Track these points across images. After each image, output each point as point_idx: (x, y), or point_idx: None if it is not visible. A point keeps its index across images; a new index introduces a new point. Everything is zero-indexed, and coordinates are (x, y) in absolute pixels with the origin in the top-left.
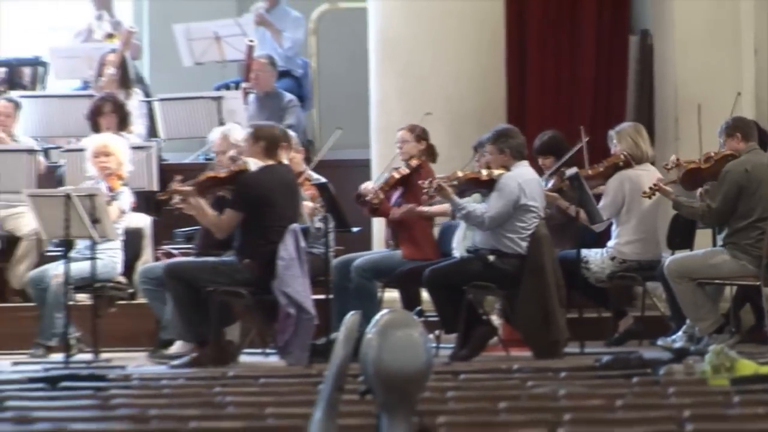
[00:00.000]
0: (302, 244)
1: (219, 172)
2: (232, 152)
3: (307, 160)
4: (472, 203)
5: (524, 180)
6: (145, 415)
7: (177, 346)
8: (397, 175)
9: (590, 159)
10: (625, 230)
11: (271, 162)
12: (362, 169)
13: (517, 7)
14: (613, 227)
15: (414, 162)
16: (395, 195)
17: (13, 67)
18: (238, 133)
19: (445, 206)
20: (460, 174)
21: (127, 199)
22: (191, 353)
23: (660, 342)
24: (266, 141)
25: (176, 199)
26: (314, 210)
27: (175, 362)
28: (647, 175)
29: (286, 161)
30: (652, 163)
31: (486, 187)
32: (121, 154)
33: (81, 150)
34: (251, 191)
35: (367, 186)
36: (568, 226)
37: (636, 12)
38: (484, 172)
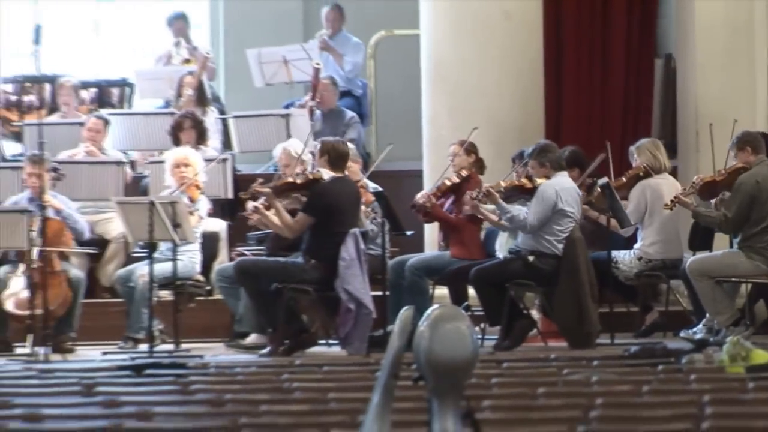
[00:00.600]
0: (362, 246)
1: (296, 178)
2: (299, 170)
3: (363, 170)
4: (516, 209)
5: (561, 187)
6: (221, 400)
7: (251, 338)
8: (448, 183)
9: (615, 171)
10: (649, 233)
11: (339, 174)
12: (415, 179)
13: (554, 35)
14: (639, 231)
15: (464, 173)
16: (448, 202)
17: (103, 87)
18: (299, 147)
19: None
20: (503, 183)
21: (204, 206)
22: (265, 343)
23: (682, 334)
24: (329, 154)
25: (251, 206)
26: (367, 213)
27: (262, 352)
28: (666, 183)
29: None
30: (672, 173)
31: (529, 194)
32: (198, 166)
33: (163, 162)
34: (323, 199)
35: (421, 196)
36: (598, 231)
37: (661, 38)
38: (527, 181)
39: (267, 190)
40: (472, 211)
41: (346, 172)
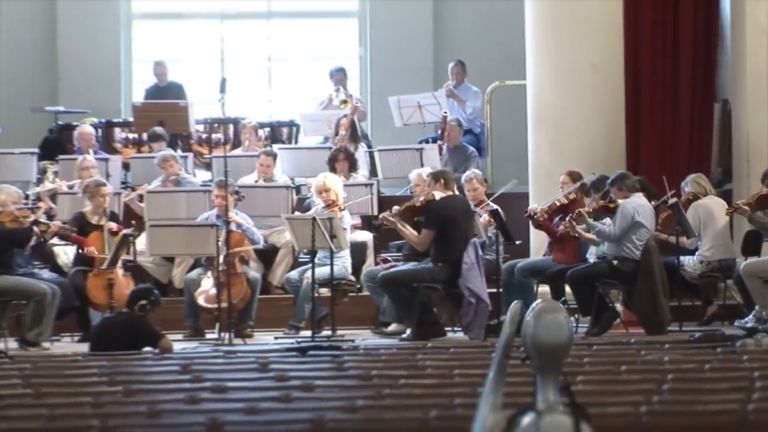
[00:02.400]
0: (480, 253)
1: (415, 203)
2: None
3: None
4: (603, 224)
5: (638, 205)
6: (368, 375)
7: (392, 326)
8: (558, 203)
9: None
10: (706, 240)
11: (450, 192)
12: (523, 199)
13: (633, 82)
14: (699, 242)
15: (572, 196)
16: (556, 218)
17: (275, 127)
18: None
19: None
20: (593, 206)
21: (348, 220)
22: (403, 330)
23: (737, 323)
24: (443, 179)
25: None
26: (486, 224)
27: (403, 336)
28: (713, 201)
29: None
30: (727, 194)
31: (612, 213)
32: (336, 188)
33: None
34: (437, 213)
35: (535, 207)
36: (668, 242)
37: (719, 86)
38: (610, 203)
39: (392, 220)
40: (570, 230)
41: (471, 193)
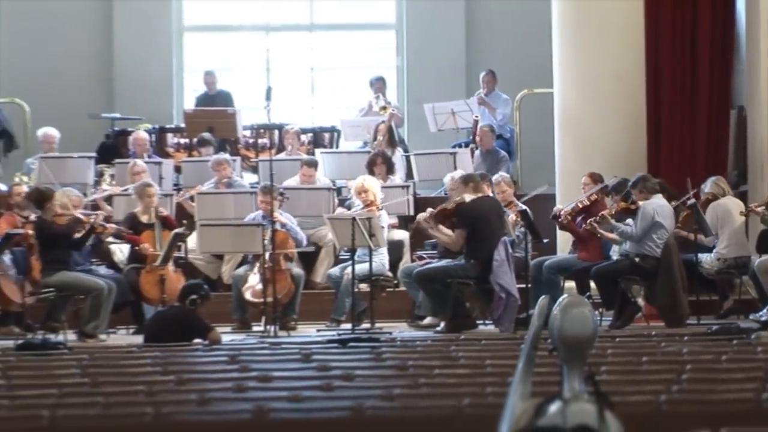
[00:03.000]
0: (509, 251)
1: (447, 206)
2: (457, 198)
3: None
4: (625, 225)
5: (657, 206)
6: (405, 365)
7: (427, 320)
8: (580, 205)
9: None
10: (722, 238)
11: (480, 194)
12: (550, 200)
13: (654, 91)
14: (717, 240)
15: (593, 197)
16: (579, 218)
17: (317, 133)
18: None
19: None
20: (615, 208)
21: (385, 220)
22: (437, 323)
23: (751, 316)
24: (472, 182)
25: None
26: (515, 223)
27: (437, 328)
28: (730, 201)
29: (490, 194)
30: (743, 195)
31: (633, 214)
32: (374, 189)
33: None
34: (468, 213)
35: (560, 208)
36: (686, 240)
37: (736, 92)
38: (631, 205)
39: (426, 224)
40: (592, 231)
41: (501, 195)
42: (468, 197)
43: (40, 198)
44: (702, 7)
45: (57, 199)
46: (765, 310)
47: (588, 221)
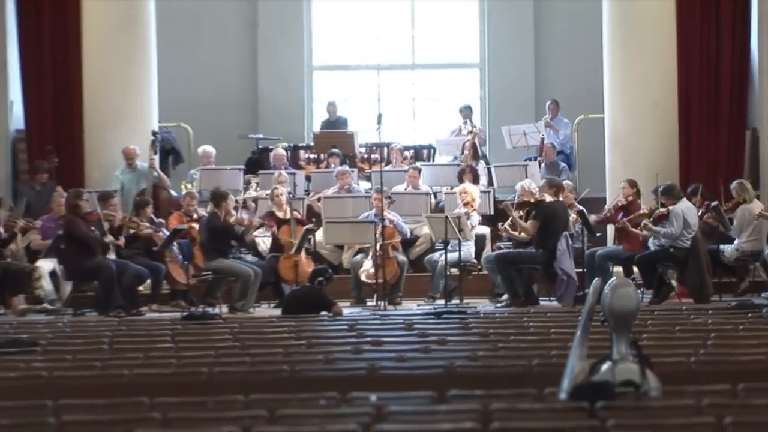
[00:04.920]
0: (569, 242)
1: (530, 199)
2: (539, 197)
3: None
4: (664, 228)
5: (685, 207)
6: (487, 332)
7: (504, 297)
8: (619, 204)
9: (724, 198)
10: (744, 235)
11: (557, 198)
12: (601, 202)
13: (685, 114)
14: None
15: (630, 198)
16: (620, 215)
17: (417, 150)
18: (530, 184)
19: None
20: (653, 215)
21: (476, 218)
22: (509, 301)
23: (763, 294)
24: (556, 188)
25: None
26: (575, 221)
27: (502, 303)
28: (756, 205)
29: (562, 199)
30: (757, 197)
31: (666, 218)
32: (474, 193)
33: (454, 193)
34: (544, 211)
35: (608, 209)
36: (711, 233)
37: (750, 115)
38: (664, 209)
39: (509, 208)
40: (641, 232)
41: (564, 198)
42: (548, 198)
43: (220, 197)
44: (724, 43)
45: (230, 201)
46: None
47: (639, 227)
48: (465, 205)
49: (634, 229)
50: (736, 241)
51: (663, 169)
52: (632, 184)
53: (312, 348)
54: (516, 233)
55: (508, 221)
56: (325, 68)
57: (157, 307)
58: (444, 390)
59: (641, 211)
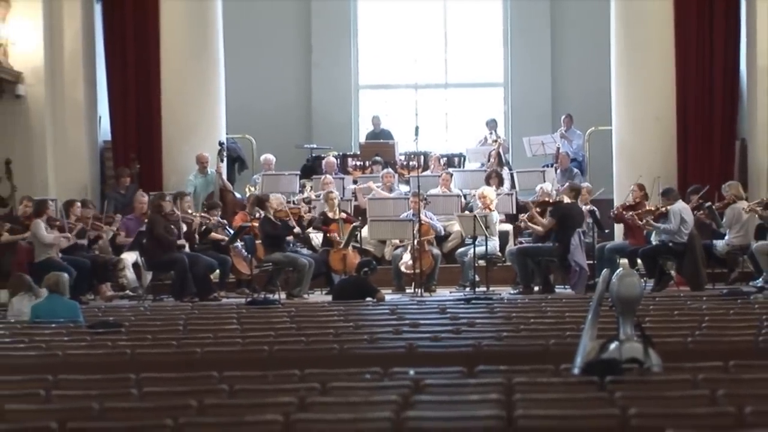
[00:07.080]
0: (582, 238)
1: (549, 199)
2: (558, 198)
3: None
4: (662, 225)
5: (681, 207)
6: (510, 315)
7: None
8: (627, 203)
9: (718, 199)
10: (733, 231)
11: (575, 201)
12: (610, 203)
13: (683, 126)
14: (728, 230)
15: (637, 199)
16: (628, 213)
17: (450, 157)
18: (548, 186)
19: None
20: (654, 211)
21: (496, 217)
22: (534, 289)
23: (751, 283)
24: (575, 191)
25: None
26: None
27: (512, 291)
28: (743, 203)
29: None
30: (746, 198)
31: (665, 216)
32: (491, 196)
33: (473, 196)
34: (562, 210)
35: (615, 209)
36: (704, 229)
37: (739, 127)
38: (663, 209)
39: (530, 205)
40: (643, 228)
41: (581, 198)
42: (566, 199)
43: (260, 202)
44: (716, 64)
45: (272, 201)
46: (760, 279)
47: (642, 223)
48: (485, 207)
49: (639, 222)
50: (726, 237)
51: (663, 174)
52: (641, 187)
53: (358, 329)
54: (534, 225)
55: (527, 214)
56: (369, 87)
57: (224, 294)
58: (473, 366)
59: (647, 208)
